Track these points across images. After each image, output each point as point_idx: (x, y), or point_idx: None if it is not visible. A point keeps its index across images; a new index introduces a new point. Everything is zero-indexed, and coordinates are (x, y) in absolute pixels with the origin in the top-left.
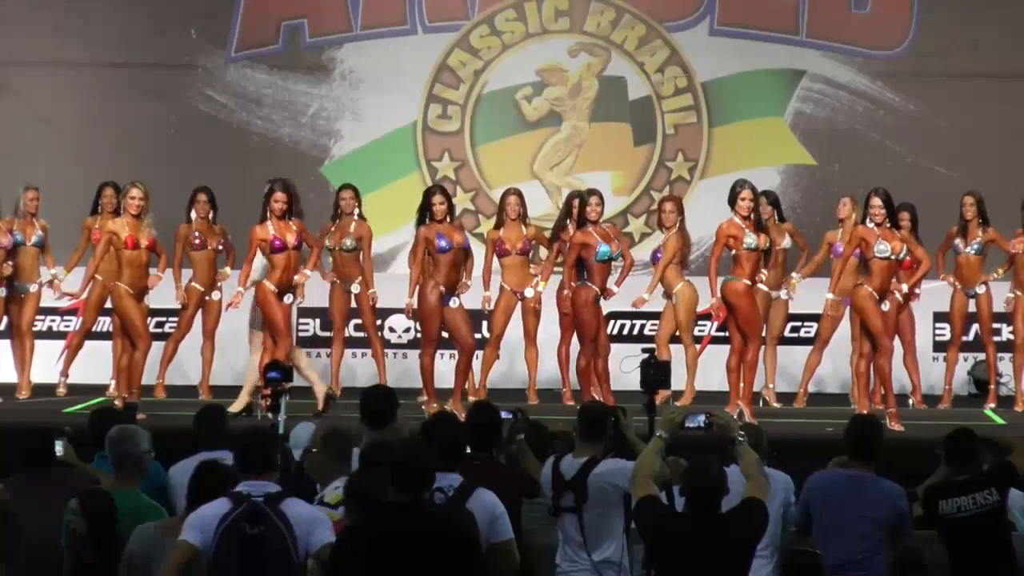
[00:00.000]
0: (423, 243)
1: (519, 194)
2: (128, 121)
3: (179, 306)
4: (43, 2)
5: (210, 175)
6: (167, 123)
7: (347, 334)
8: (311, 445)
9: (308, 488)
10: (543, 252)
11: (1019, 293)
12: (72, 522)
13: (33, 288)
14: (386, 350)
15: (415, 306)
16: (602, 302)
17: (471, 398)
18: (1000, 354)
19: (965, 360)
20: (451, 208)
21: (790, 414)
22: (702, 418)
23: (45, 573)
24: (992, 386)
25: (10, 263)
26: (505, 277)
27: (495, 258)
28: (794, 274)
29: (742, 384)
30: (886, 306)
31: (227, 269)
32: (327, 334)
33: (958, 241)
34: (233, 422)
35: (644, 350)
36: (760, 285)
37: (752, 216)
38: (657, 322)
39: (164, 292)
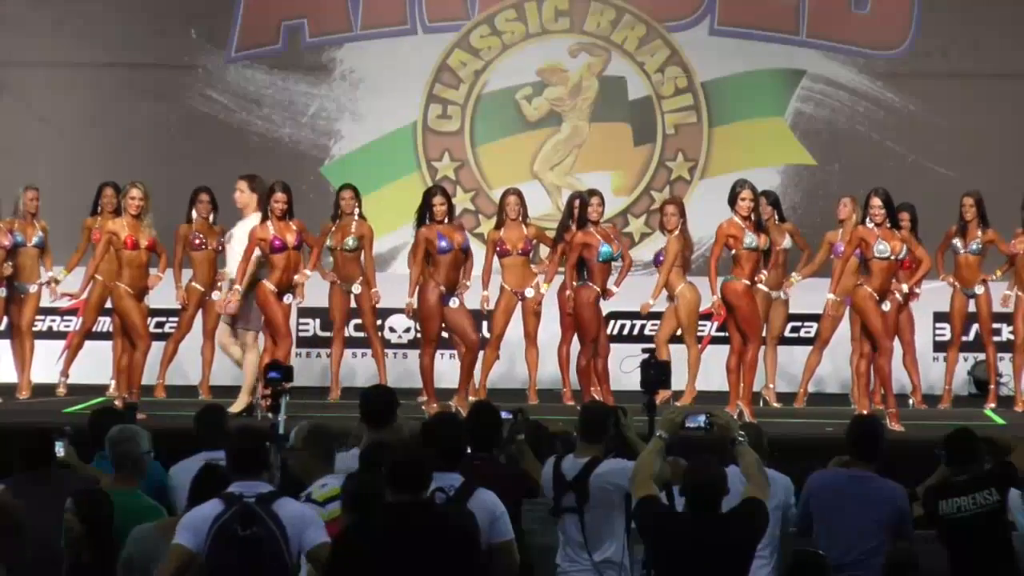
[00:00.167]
0: (423, 243)
1: (519, 194)
2: (128, 121)
3: (179, 306)
4: (43, 2)
5: (210, 175)
6: (167, 123)
7: (347, 334)
8: (294, 444)
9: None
10: (543, 252)
11: (1020, 293)
12: (67, 522)
13: (33, 288)
14: (386, 350)
15: (415, 306)
16: (602, 302)
17: (471, 398)
18: (1000, 354)
19: (965, 360)
20: (451, 208)
21: (790, 414)
22: (702, 418)
23: (46, 574)
24: (992, 386)
25: (10, 263)
26: (506, 277)
27: (496, 258)
28: (794, 274)
29: (742, 384)
30: (886, 306)
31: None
32: (327, 334)
33: (956, 241)
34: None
35: (644, 350)
36: (760, 285)
37: (752, 216)
38: (658, 322)
39: (164, 292)
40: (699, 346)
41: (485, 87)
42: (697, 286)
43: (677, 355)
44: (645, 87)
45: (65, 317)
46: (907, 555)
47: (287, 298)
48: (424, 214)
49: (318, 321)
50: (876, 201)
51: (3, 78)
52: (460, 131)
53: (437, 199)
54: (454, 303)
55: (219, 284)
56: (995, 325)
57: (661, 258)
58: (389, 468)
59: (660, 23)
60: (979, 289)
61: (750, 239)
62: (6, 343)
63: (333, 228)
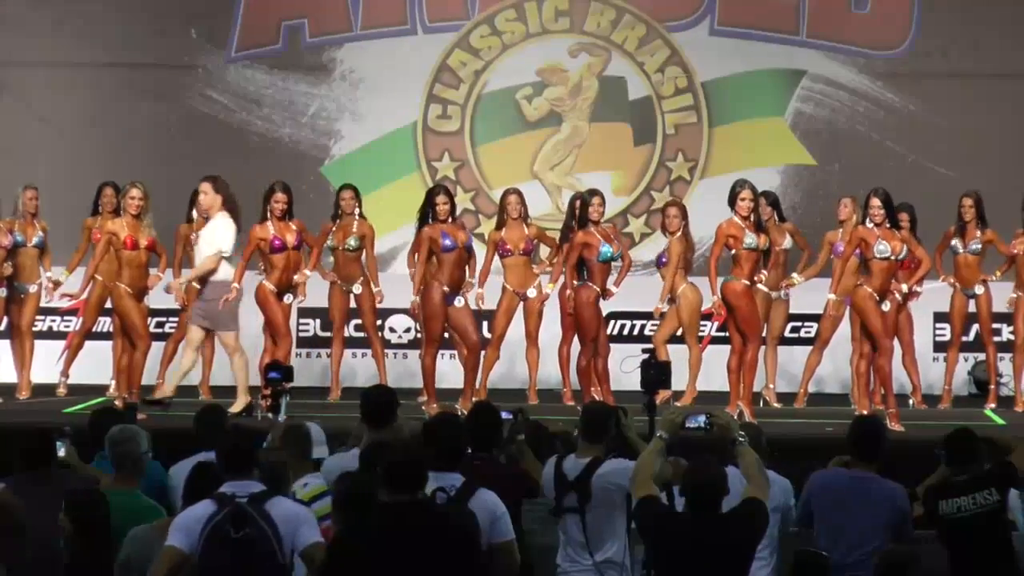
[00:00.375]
0: (427, 242)
1: (519, 193)
2: (128, 121)
3: (179, 306)
4: (43, 2)
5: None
6: (167, 123)
7: (347, 334)
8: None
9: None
10: (543, 252)
11: (1020, 293)
12: (60, 522)
13: (33, 288)
14: (386, 350)
15: (420, 303)
16: (602, 302)
17: (472, 398)
18: (1000, 354)
19: (965, 360)
20: (453, 208)
21: (790, 414)
22: (702, 418)
23: (45, 574)
24: (992, 386)
25: (10, 263)
26: (507, 278)
27: (497, 258)
28: (795, 275)
29: (742, 384)
30: (886, 306)
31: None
32: (327, 334)
33: (956, 242)
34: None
35: (644, 350)
36: (760, 286)
37: (752, 216)
38: (658, 322)
39: (164, 292)
40: (699, 346)
41: (485, 87)
42: (698, 286)
43: (677, 355)
44: (645, 87)
45: (65, 317)
46: (900, 556)
47: (287, 298)
48: (427, 213)
49: (318, 321)
50: (876, 201)
51: (3, 78)
52: (460, 131)
53: (440, 198)
54: (459, 302)
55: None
56: (995, 325)
57: (663, 259)
58: (385, 468)
59: (660, 23)
60: (979, 289)
61: (750, 239)
62: (6, 343)
63: (333, 228)
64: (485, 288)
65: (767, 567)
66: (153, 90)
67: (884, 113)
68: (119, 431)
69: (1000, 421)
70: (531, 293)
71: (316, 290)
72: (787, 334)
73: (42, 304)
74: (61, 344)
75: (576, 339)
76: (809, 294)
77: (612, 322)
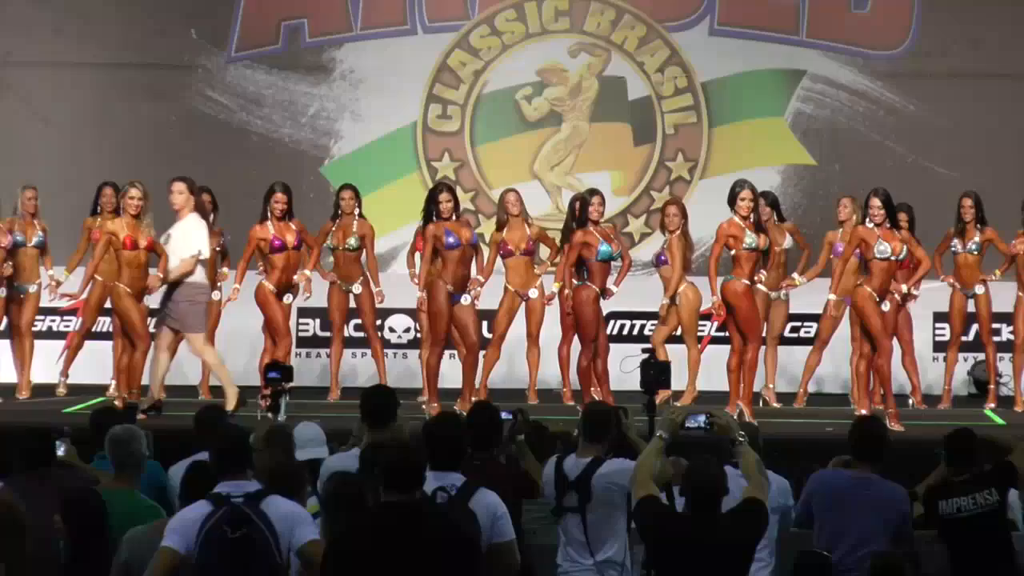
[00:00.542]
0: (431, 240)
1: (516, 192)
2: (128, 121)
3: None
4: (43, 2)
5: (210, 175)
6: (167, 123)
7: (347, 334)
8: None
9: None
10: (543, 252)
11: (1020, 293)
12: (56, 522)
13: (33, 288)
14: (386, 350)
15: (425, 300)
16: (602, 302)
17: (472, 398)
18: (1000, 354)
19: (965, 360)
20: (457, 205)
21: (790, 414)
22: (702, 418)
23: (45, 573)
24: (992, 386)
25: (10, 263)
26: (509, 278)
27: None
28: (796, 276)
29: (742, 384)
30: (886, 306)
31: (225, 269)
32: (327, 334)
33: (955, 242)
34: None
35: (644, 350)
36: (759, 286)
37: (752, 216)
38: (657, 322)
39: (164, 292)
40: (699, 346)
41: (485, 87)
42: (698, 287)
43: (677, 355)
44: (645, 87)
45: (65, 317)
46: (894, 560)
47: (287, 297)
48: (430, 211)
49: (318, 321)
50: (876, 201)
51: (3, 78)
52: (460, 131)
53: (443, 196)
54: (465, 300)
55: (219, 284)
56: (995, 325)
57: (662, 258)
58: (382, 468)
59: (660, 23)
60: (979, 289)
61: (750, 239)
62: (6, 343)
63: (333, 228)
64: (485, 288)
65: (766, 567)
66: (153, 90)
67: (884, 113)
68: (119, 431)
69: (1000, 421)
70: (532, 293)
71: (316, 290)
72: (787, 334)
73: (42, 304)
74: (61, 344)
75: (576, 339)
76: (809, 294)
77: (612, 322)
